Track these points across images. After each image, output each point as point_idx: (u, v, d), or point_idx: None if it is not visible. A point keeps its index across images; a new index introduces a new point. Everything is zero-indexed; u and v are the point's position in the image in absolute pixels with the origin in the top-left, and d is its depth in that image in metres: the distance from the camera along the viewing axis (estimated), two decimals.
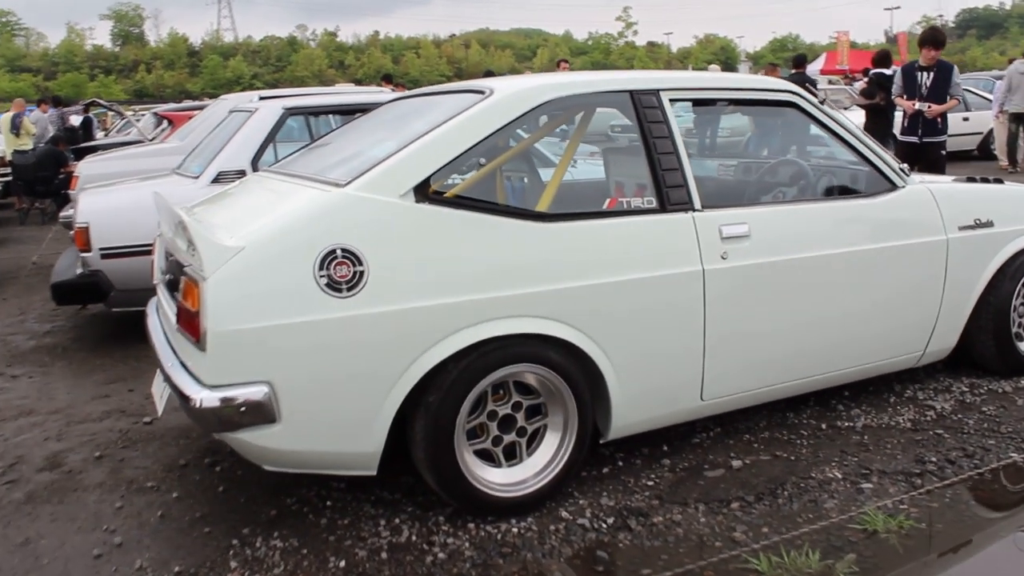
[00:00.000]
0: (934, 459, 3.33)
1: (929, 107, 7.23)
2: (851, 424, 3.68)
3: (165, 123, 11.79)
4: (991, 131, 15.30)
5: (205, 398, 2.55)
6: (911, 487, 3.13)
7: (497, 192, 3.70)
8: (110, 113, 20.42)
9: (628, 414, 3.10)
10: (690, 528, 2.89)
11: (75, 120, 16.84)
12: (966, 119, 15.19)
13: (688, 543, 2.80)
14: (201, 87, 62.98)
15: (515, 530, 2.89)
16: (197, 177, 5.44)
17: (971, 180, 4.23)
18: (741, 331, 3.26)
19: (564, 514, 2.98)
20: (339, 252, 2.61)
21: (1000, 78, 19.50)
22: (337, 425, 2.69)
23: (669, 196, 3.12)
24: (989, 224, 3.92)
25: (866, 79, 11.06)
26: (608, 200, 3.22)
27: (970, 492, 3.10)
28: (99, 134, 17.25)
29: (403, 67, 73.56)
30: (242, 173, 5.23)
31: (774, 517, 2.94)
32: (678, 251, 3.10)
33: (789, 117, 5.10)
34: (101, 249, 5.18)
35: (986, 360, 4.15)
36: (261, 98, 6.60)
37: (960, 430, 3.60)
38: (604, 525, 2.91)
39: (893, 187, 3.70)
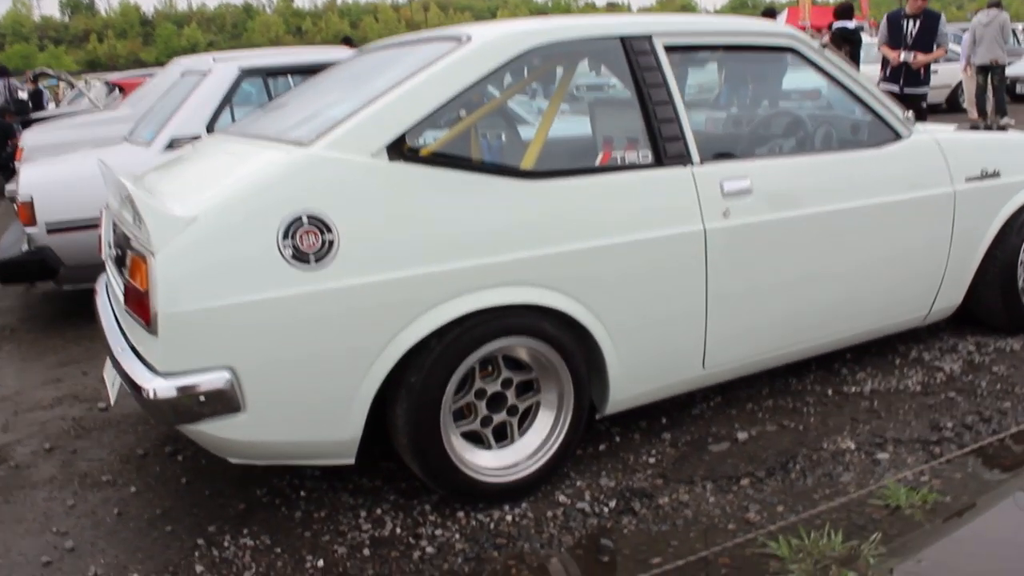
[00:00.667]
0: (950, 424, 3.12)
1: (915, 56, 7.01)
2: (858, 389, 3.46)
3: (117, 91, 11.33)
4: (959, 84, 15.17)
5: (159, 388, 2.27)
6: (930, 456, 2.92)
7: (473, 150, 3.41)
8: (61, 84, 19.78)
9: (626, 387, 2.86)
10: (699, 509, 2.65)
11: (23, 92, 16.22)
12: (935, 72, 15.03)
13: (698, 526, 2.57)
14: (155, 56, 61.56)
15: (509, 518, 2.64)
16: (149, 144, 5.10)
17: (975, 128, 4.01)
18: (744, 294, 3.02)
19: (561, 498, 2.74)
20: (305, 219, 2.33)
21: (966, 31, 19.48)
22: (309, 412, 2.41)
23: (666, 149, 2.86)
24: (996, 175, 3.70)
25: (829, 34, 10.83)
26: (600, 156, 2.95)
27: (992, 459, 2.90)
28: (51, 105, 16.66)
29: (361, 31, 72.51)
30: (197, 139, 4.89)
31: (788, 494, 2.72)
32: (677, 209, 2.84)
33: (762, 70, 4.88)
34: (47, 224, 4.84)
35: (992, 317, 3.95)
36: (216, 60, 6.23)
37: (973, 392, 3.39)
38: (606, 509, 2.67)
39: (897, 137, 3.46)
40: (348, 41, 14.99)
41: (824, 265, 3.22)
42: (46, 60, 57.90)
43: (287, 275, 2.30)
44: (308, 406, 2.41)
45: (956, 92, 15.19)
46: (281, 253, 2.30)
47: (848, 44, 9.11)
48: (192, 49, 66.11)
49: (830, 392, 3.45)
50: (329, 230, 2.35)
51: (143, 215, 2.29)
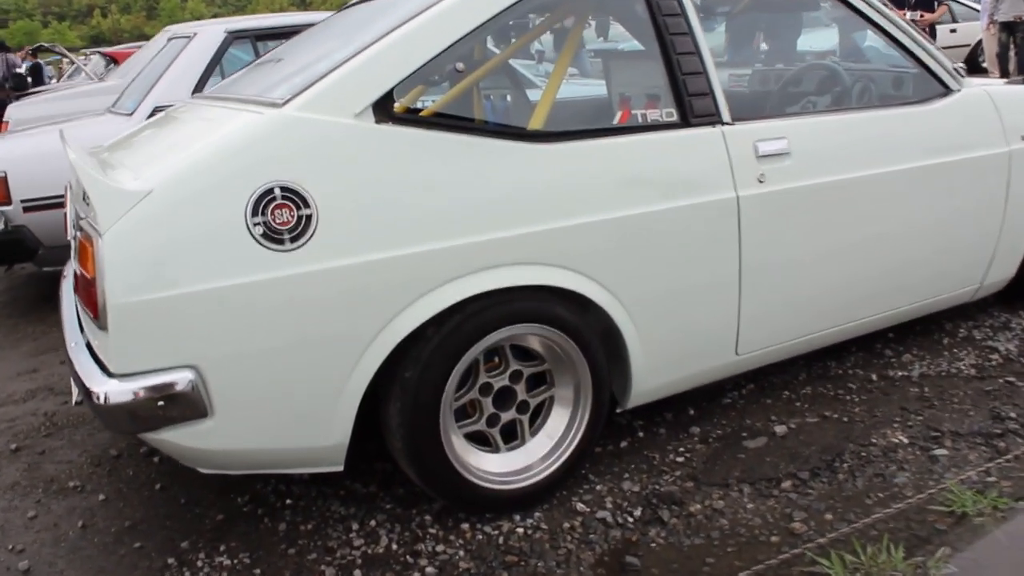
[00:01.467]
0: (1013, 415, 2.78)
1: (921, 15, 6.60)
2: (906, 374, 3.12)
3: (115, 64, 10.96)
4: (979, 43, 14.67)
5: (110, 391, 1.94)
6: (994, 452, 2.58)
7: (472, 109, 3.06)
8: (64, 60, 19.41)
9: (651, 377, 2.53)
10: (736, 518, 2.33)
11: (22, 68, 15.85)
12: (953, 31, 14.58)
13: (736, 539, 2.24)
14: (160, 30, 61.01)
15: (520, 531, 2.32)
16: (131, 114, 4.76)
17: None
18: (782, 269, 2.67)
19: (579, 506, 2.41)
20: (278, 191, 1.99)
21: None
22: (287, 415, 2.09)
23: (692, 106, 2.50)
24: None
25: None
26: (619, 114, 2.60)
27: None
28: (52, 81, 16.30)
29: None
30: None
31: (837, 499, 2.39)
32: (706, 174, 2.49)
33: (797, 18, 4.50)
34: (23, 201, 4.52)
35: None
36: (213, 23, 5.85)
37: None
38: (630, 519, 2.35)
39: (947, 91, 3.09)
40: None
41: (869, 235, 2.87)
42: (49, 36, 57.36)
43: (257, 257, 1.97)
44: (286, 409, 2.08)
45: (976, 51, 14.70)
46: (250, 232, 1.97)
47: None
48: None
49: (874, 377, 3.10)
50: (306, 204, 2.01)
51: (88, 189, 1.96)
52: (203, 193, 1.96)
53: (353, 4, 3.20)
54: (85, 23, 71.10)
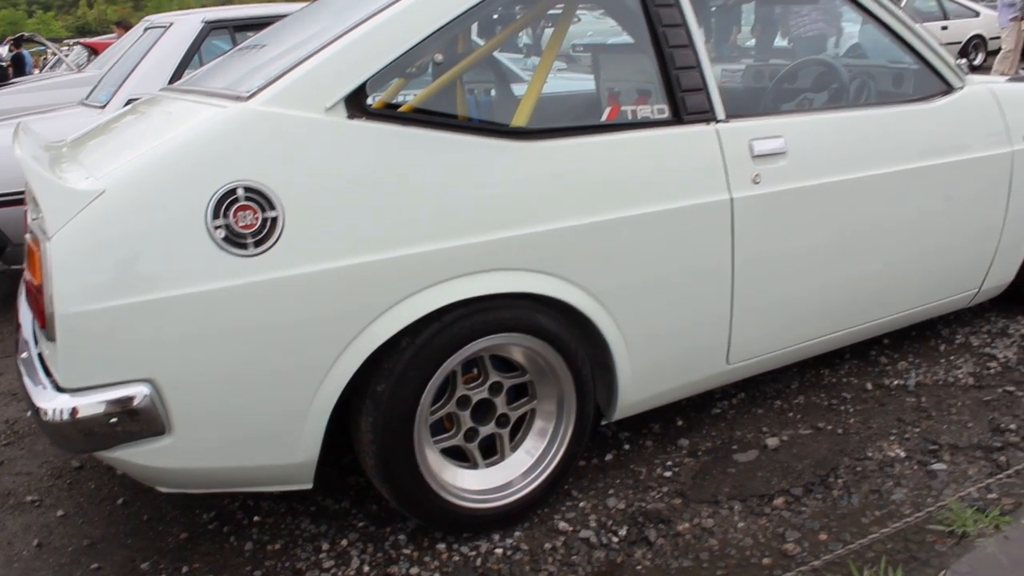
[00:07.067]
0: (1013, 426, 2.67)
1: None
2: (901, 382, 3.00)
3: (95, 54, 10.76)
4: (970, 40, 14.60)
5: (59, 407, 1.80)
6: (995, 466, 2.47)
7: (459, 106, 2.92)
8: (49, 50, 19.13)
9: (638, 389, 2.40)
10: (726, 538, 2.21)
11: (3, 61, 15.60)
12: (945, 27, 14.51)
13: (727, 561, 2.12)
14: None
15: (499, 551, 2.20)
16: (104, 106, 4.60)
17: None
18: (777, 274, 2.55)
19: (562, 524, 2.29)
20: (241, 192, 1.86)
21: None
22: (251, 432, 1.95)
23: (685, 102, 2.38)
24: None
25: None
26: (608, 110, 2.47)
27: None
28: (34, 71, 16.04)
29: None
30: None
31: (831, 517, 2.27)
32: (699, 174, 2.37)
33: (795, 10, 4.39)
34: None
35: None
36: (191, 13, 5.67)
37: None
38: (615, 539, 2.22)
39: (949, 89, 2.98)
40: None
41: (867, 238, 2.75)
42: (35, 26, 56.79)
43: (219, 263, 1.84)
44: (249, 426, 1.95)
45: (966, 48, 14.63)
46: (211, 235, 1.83)
47: None
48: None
49: (869, 386, 2.99)
50: (271, 205, 1.88)
51: (35, 189, 1.82)
52: (160, 193, 1.83)
53: None
54: (71, 13, 70.47)
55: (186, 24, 4.84)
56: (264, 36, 2.92)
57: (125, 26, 10.89)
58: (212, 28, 4.91)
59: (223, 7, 6.43)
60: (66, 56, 12.83)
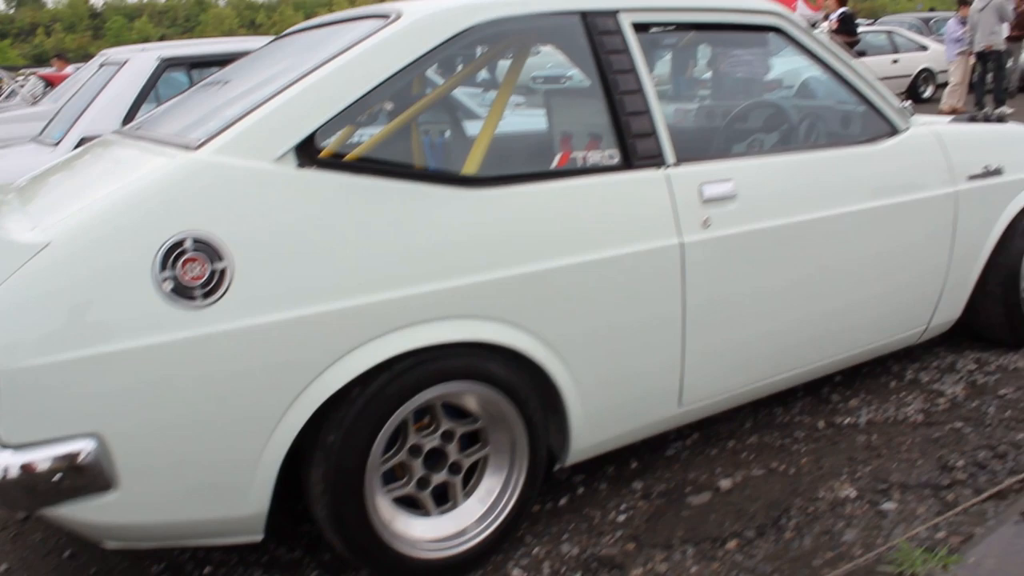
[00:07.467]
0: (960, 463, 2.71)
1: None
2: (853, 420, 3.04)
3: (50, 86, 10.65)
4: (919, 73, 14.93)
5: (1, 464, 1.77)
6: (942, 505, 2.50)
7: (411, 152, 2.93)
8: (3, 80, 18.92)
9: (590, 434, 2.41)
10: None
11: None
12: (895, 61, 14.83)
13: None
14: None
15: None
16: (56, 144, 4.56)
17: (972, 120, 3.61)
18: (728, 317, 2.58)
19: (515, 572, 2.28)
20: (189, 243, 1.85)
21: (929, 20, 19.39)
22: (199, 485, 1.93)
23: (636, 148, 2.41)
24: (998, 172, 3.30)
25: (838, 18, 10.63)
26: (558, 157, 2.49)
27: (1014, 507, 2.48)
28: None
29: None
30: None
31: (784, 559, 2.29)
32: (649, 220, 2.39)
33: (744, 53, 4.46)
34: None
35: (992, 330, 3.55)
36: (147, 49, 5.61)
37: (981, 422, 2.99)
38: None
39: (895, 131, 3.04)
40: None
41: (816, 279, 2.79)
42: None
43: (166, 316, 1.82)
44: (198, 479, 1.93)
45: (915, 81, 14.96)
46: (158, 288, 1.82)
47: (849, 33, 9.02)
48: (143, 43, 64.64)
49: (821, 424, 3.02)
50: (220, 257, 1.87)
51: None
52: (106, 246, 1.82)
53: (290, 33, 3.07)
54: (28, 41, 69.82)
55: (141, 61, 4.82)
56: (225, 74, 2.92)
57: (64, 59, 10.81)
58: (168, 66, 4.89)
59: (181, 41, 6.42)
60: (20, 87, 12.70)
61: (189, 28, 74.93)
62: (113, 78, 4.79)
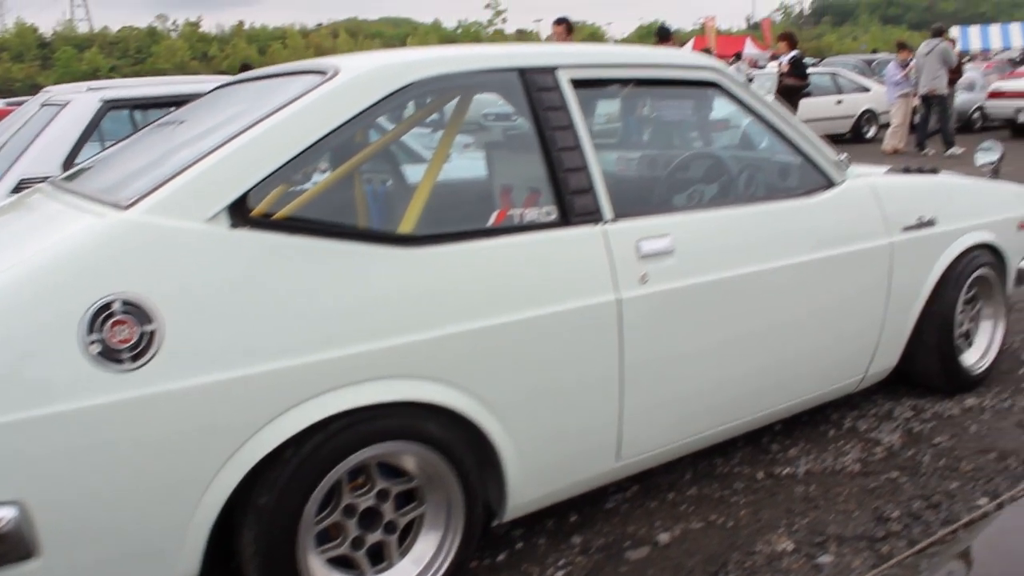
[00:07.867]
0: (896, 514, 2.75)
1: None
2: (791, 470, 3.07)
3: None
4: (862, 114, 15.29)
5: None
6: (877, 558, 2.53)
7: (348, 208, 2.92)
8: None
9: (527, 490, 2.41)
10: None
11: None
12: (839, 102, 15.19)
13: None
14: (54, 81, 58.99)
15: None
16: None
17: (906, 171, 3.70)
18: (665, 372, 2.60)
19: None
20: (118, 305, 1.82)
21: (872, 61, 19.89)
22: (128, 550, 1.89)
23: (573, 205, 2.43)
24: (932, 223, 3.38)
25: (789, 61, 10.92)
26: (495, 214, 2.50)
27: (948, 558, 2.51)
28: None
29: (269, 58, 70.67)
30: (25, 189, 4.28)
31: None
32: (586, 277, 2.41)
33: (681, 108, 4.53)
34: None
35: (928, 378, 3.62)
36: (90, 88, 5.49)
37: (916, 471, 3.03)
38: None
39: (830, 184, 3.10)
40: (247, 68, 14.33)
41: (754, 332, 2.83)
42: None
43: (93, 380, 1.79)
44: (126, 544, 1.88)
45: (859, 122, 15.32)
46: (85, 351, 1.79)
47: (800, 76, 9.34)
48: (93, 74, 63.79)
49: (760, 475, 3.04)
50: (150, 319, 1.84)
51: None
52: (32, 307, 1.78)
53: (230, 83, 3.05)
54: None
55: (83, 103, 4.76)
56: (166, 122, 2.89)
57: None
58: (111, 107, 4.84)
59: (125, 81, 6.35)
60: None
61: (141, 59, 74.15)
62: (54, 119, 4.72)
